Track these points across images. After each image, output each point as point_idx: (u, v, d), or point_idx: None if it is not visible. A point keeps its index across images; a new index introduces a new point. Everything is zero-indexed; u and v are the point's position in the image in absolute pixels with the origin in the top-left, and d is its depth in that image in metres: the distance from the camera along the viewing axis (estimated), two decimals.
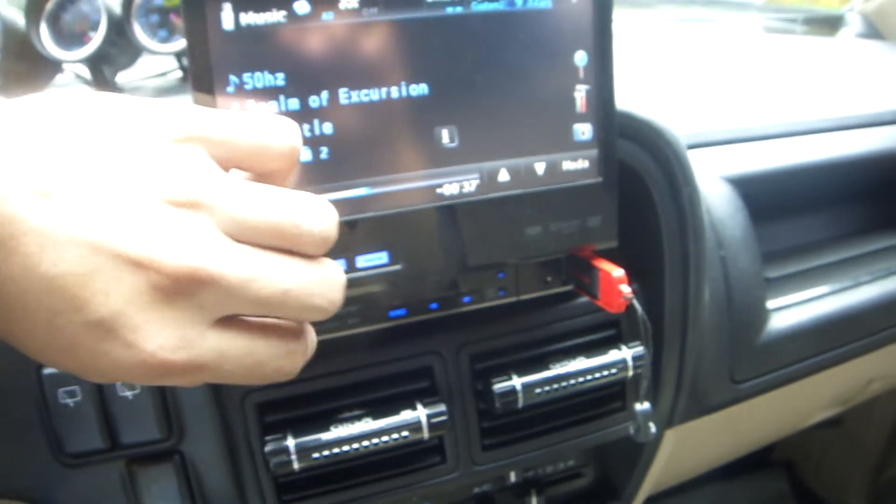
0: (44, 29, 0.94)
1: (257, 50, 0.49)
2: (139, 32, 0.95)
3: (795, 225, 1.09)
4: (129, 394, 0.58)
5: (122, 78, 1.03)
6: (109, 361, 0.36)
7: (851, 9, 1.71)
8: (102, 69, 0.98)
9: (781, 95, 1.12)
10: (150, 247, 0.35)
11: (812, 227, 1.11)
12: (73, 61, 0.95)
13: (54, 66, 1.00)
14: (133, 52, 1.01)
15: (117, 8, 0.94)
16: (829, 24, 1.72)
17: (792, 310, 0.91)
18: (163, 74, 1.08)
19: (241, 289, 0.37)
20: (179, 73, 1.04)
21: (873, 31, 1.67)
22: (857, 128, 1.05)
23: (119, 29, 0.94)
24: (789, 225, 1.08)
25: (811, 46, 1.56)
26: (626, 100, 0.68)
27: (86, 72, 0.99)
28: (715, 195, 0.85)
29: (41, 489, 0.62)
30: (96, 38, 0.92)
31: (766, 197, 0.95)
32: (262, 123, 0.41)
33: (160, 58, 0.99)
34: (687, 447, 0.91)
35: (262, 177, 0.42)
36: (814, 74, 1.27)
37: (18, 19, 0.93)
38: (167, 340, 0.36)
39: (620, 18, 1.62)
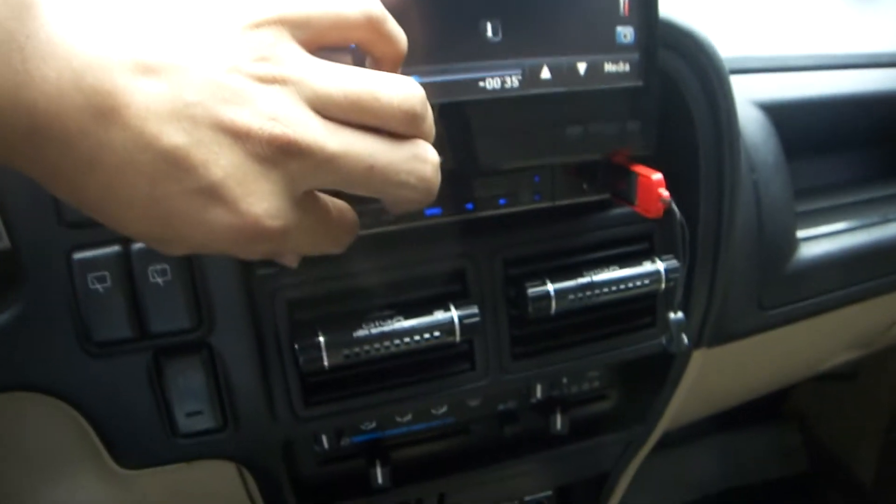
0: None
1: None
2: None
3: (826, 163, 1.10)
4: (160, 280, 0.58)
5: None
6: (208, 228, 0.39)
7: None
8: None
9: (820, 29, 1.11)
10: (246, 118, 0.37)
11: (843, 167, 1.12)
12: None
13: None
14: None
15: None
16: None
17: (821, 241, 0.91)
18: None
19: (327, 161, 0.39)
20: None
21: None
22: (890, 66, 1.04)
23: None
24: (821, 163, 1.09)
25: None
26: (669, 8, 0.67)
27: None
28: (748, 119, 0.85)
29: (64, 381, 0.62)
30: None
31: (798, 131, 0.94)
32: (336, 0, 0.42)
33: None
34: (712, 374, 0.92)
35: (374, 64, 0.46)
36: (854, 13, 1.26)
37: None
38: (269, 207, 0.39)
39: None
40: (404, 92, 0.42)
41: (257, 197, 0.38)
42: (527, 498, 0.94)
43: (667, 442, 1.90)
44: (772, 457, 2.02)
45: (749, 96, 0.88)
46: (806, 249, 0.89)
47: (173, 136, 0.36)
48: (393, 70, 0.45)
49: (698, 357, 0.85)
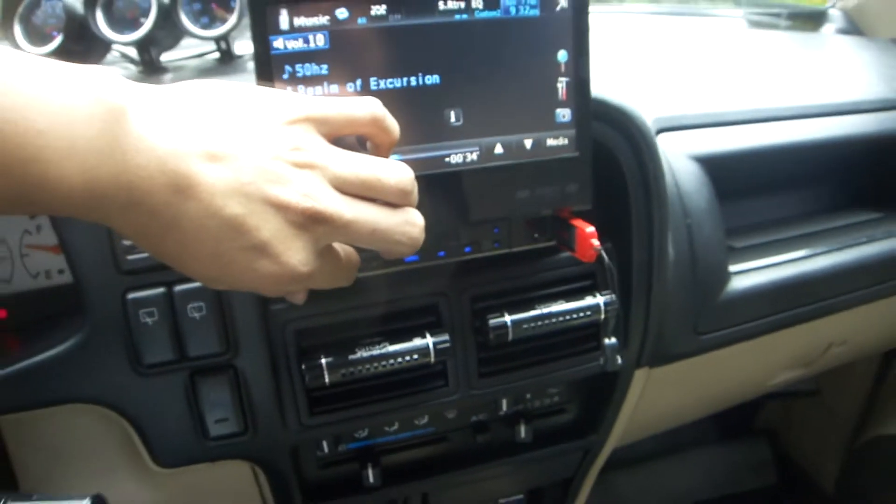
0: (99, 14, 1.07)
1: (306, 45, 0.63)
2: (184, 19, 1.08)
3: (761, 204, 1.22)
4: (196, 315, 0.73)
5: (165, 57, 1.16)
6: (257, 274, 0.53)
7: (834, 5, 1.78)
8: (150, 50, 1.11)
9: (752, 85, 1.23)
10: (286, 195, 0.51)
11: (776, 207, 1.24)
12: (126, 43, 1.08)
13: (105, 47, 1.13)
14: (177, 35, 1.14)
15: None
16: (812, 19, 1.80)
17: (751, 274, 1.04)
18: (201, 55, 1.21)
19: (344, 226, 0.54)
20: (217, 55, 1.17)
21: (853, 27, 1.76)
22: (819, 116, 1.16)
23: (166, 15, 1.07)
24: (755, 203, 1.21)
25: (788, 40, 1.65)
26: (603, 87, 0.82)
27: (132, 51, 1.12)
28: (683, 171, 0.99)
29: (118, 395, 0.77)
30: (147, 24, 1.05)
31: (733, 177, 1.07)
32: (348, 102, 0.57)
33: (200, 41, 1.12)
34: (658, 391, 1.05)
35: (375, 149, 0.60)
36: (786, 67, 1.38)
37: (77, 5, 1.06)
38: (301, 258, 0.53)
39: (603, 12, 1.74)
40: (399, 175, 0.57)
41: (293, 252, 0.53)
42: (501, 501, 1.08)
43: (642, 457, 2.00)
44: (743, 470, 2.10)
45: (685, 150, 1.01)
46: (737, 282, 1.01)
47: (234, 208, 0.50)
48: (388, 151, 0.61)
49: (641, 376, 0.98)
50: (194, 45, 1.18)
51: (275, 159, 0.51)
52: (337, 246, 0.61)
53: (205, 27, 1.10)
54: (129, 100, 0.48)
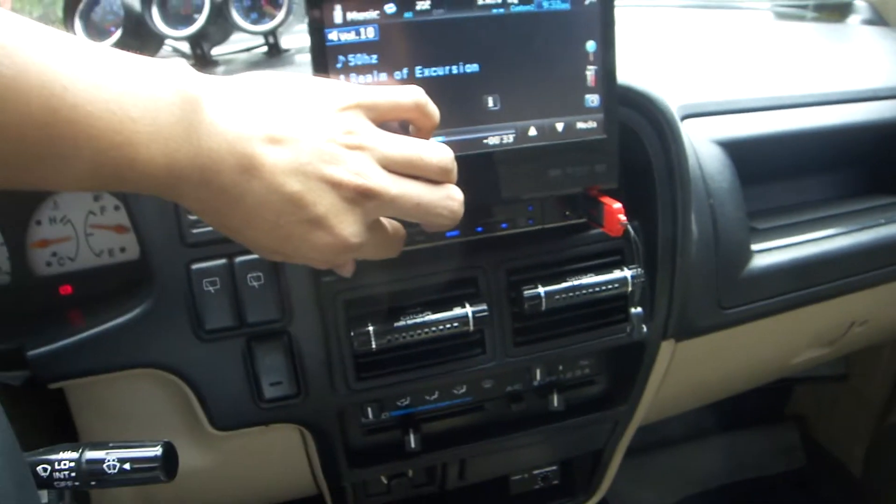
0: (155, 11, 1.13)
1: (358, 37, 0.70)
2: (235, 15, 1.14)
3: (783, 188, 1.27)
4: (255, 284, 0.80)
5: (215, 51, 1.22)
6: (313, 245, 0.59)
7: None
8: (201, 44, 1.17)
9: (777, 74, 1.27)
10: (340, 173, 0.57)
11: (797, 191, 1.28)
12: (180, 38, 1.14)
13: (160, 41, 1.19)
14: (227, 30, 1.19)
15: None
16: (838, 10, 1.82)
17: (773, 252, 1.08)
18: (250, 49, 1.27)
19: (391, 200, 0.60)
20: (265, 49, 1.23)
21: (879, 17, 1.78)
22: (841, 103, 1.20)
23: (218, 11, 1.13)
24: (778, 188, 1.26)
25: (813, 31, 1.68)
26: (630, 75, 0.88)
27: (184, 46, 1.18)
28: (707, 155, 1.04)
29: (180, 360, 0.83)
30: (200, 19, 1.11)
31: (756, 162, 1.12)
32: (394, 90, 0.63)
33: (249, 36, 1.18)
34: (683, 365, 1.10)
35: (417, 132, 0.66)
36: (810, 56, 1.42)
37: (135, 3, 1.12)
38: (353, 230, 0.59)
39: (632, 6, 1.77)
40: (440, 155, 0.63)
41: (346, 225, 0.59)
42: (535, 471, 1.14)
43: (671, 440, 2.03)
44: (772, 455, 2.12)
45: (709, 135, 1.06)
46: (759, 259, 1.06)
47: (293, 185, 0.56)
48: (430, 134, 0.67)
49: (667, 348, 1.03)
50: (243, 40, 1.23)
51: (329, 142, 0.58)
52: (384, 221, 0.67)
53: (254, 22, 1.15)
54: (202, 90, 0.55)
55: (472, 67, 0.74)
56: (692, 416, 1.97)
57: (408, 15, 0.71)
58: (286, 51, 1.22)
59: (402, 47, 0.71)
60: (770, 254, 1.08)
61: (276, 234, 0.58)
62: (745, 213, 1.05)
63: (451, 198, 0.64)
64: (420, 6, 0.71)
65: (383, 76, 0.71)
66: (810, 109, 1.18)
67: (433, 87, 0.71)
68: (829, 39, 1.60)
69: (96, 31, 1.14)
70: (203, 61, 1.18)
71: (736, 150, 1.08)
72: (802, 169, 1.27)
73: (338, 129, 0.58)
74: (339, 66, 0.70)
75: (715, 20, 1.83)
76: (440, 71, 0.73)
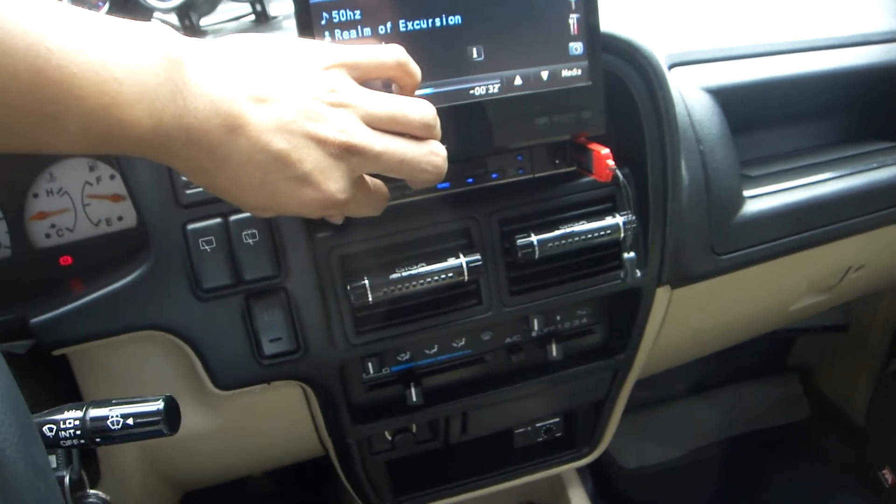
0: None
1: None
2: None
3: (774, 136, 1.27)
4: (251, 241, 0.81)
5: (204, 22, 1.23)
6: (300, 201, 0.60)
7: None
8: (189, 15, 1.18)
9: (767, 20, 1.26)
10: (325, 130, 0.59)
11: (789, 139, 1.29)
12: (167, 10, 1.15)
13: (147, 14, 1.20)
14: (214, 0, 1.20)
15: None
16: None
17: (765, 198, 1.09)
18: (238, 18, 1.28)
19: (375, 156, 0.61)
20: (252, 17, 1.24)
21: None
22: (830, 48, 1.20)
23: None
24: (769, 136, 1.26)
25: None
26: (615, 23, 0.88)
27: (172, 18, 1.19)
28: (695, 101, 1.04)
29: (180, 320, 0.85)
30: None
31: (746, 110, 1.12)
32: (376, 49, 0.64)
33: (237, 4, 1.19)
34: (680, 313, 1.11)
35: (400, 90, 0.68)
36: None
37: None
38: (338, 186, 0.61)
39: None
40: (422, 111, 0.64)
41: (332, 181, 0.60)
42: (538, 424, 1.15)
43: (674, 395, 2.04)
44: (775, 407, 2.13)
45: (698, 83, 1.07)
46: (752, 205, 1.07)
47: (279, 143, 0.57)
48: (412, 92, 0.68)
49: (663, 295, 1.05)
50: (231, 9, 1.24)
51: (314, 100, 0.59)
52: (367, 179, 0.68)
53: None
54: (186, 51, 0.56)
55: (455, 19, 0.74)
56: (695, 370, 1.97)
57: None
58: (274, 17, 1.23)
59: (384, 2, 0.72)
60: (762, 199, 1.09)
61: (263, 191, 0.60)
62: (737, 160, 1.06)
63: (434, 153, 0.66)
64: None
65: (367, 31, 0.72)
66: (801, 55, 1.18)
67: (417, 40, 0.73)
68: None
69: (84, 6, 1.14)
70: (192, 32, 1.19)
71: (725, 97, 1.08)
72: (794, 116, 1.27)
73: (321, 87, 0.60)
74: (322, 22, 0.71)
75: None
76: (423, 24, 0.73)
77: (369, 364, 0.95)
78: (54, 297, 0.84)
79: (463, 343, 1.00)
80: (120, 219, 0.97)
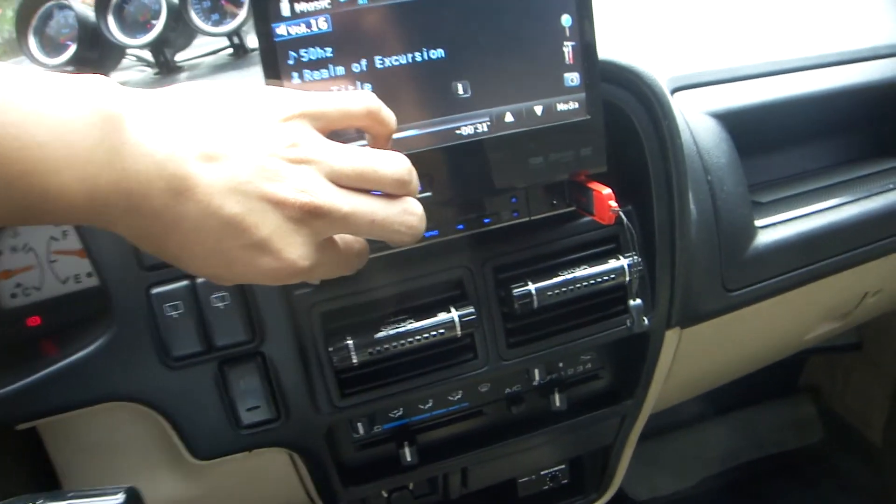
0: (111, 20, 1.08)
1: (309, 30, 0.64)
2: (195, 18, 1.09)
3: (784, 157, 1.21)
4: (221, 305, 0.74)
5: (180, 56, 1.17)
6: (259, 270, 0.54)
7: None
8: (164, 51, 1.12)
9: (770, 36, 1.20)
10: (284, 191, 0.52)
11: (800, 159, 1.23)
12: (139, 46, 1.09)
13: (120, 52, 1.14)
14: (189, 34, 1.14)
15: None
16: None
17: (778, 227, 1.03)
18: (215, 52, 1.22)
19: (342, 218, 0.54)
20: (230, 51, 1.18)
21: None
22: (837, 64, 1.14)
23: (177, 15, 1.08)
24: (778, 157, 1.20)
25: None
26: (612, 49, 0.81)
27: (147, 54, 1.13)
28: (701, 128, 0.98)
29: (150, 390, 0.78)
30: (158, 26, 1.06)
31: (754, 132, 1.06)
32: (342, 97, 0.57)
33: (214, 38, 1.13)
34: (692, 352, 1.05)
35: (372, 140, 0.61)
36: (803, 14, 1.35)
37: (89, 13, 1.07)
38: (301, 253, 0.54)
39: None
40: (395, 165, 0.57)
41: (293, 248, 0.54)
42: (543, 472, 1.08)
43: (685, 421, 1.99)
44: (788, 429, 2.09)
45: (702, 108, 1.00)
46: (764, 236, 1.00)
47: (232, 207, 0.51)
48: (386, 142, 0.61)
49: (673, 337, 0.98)
50: (208, 43, 1.19)
51: (271, 156, 0.52)
52: (337, 237, 0.62)
53: (216, 24, 1.10)
54: (125, 106, 0.49)
55: (438, 53, 0.68)
56: (703, 395, 1.93)
57: (362, 0, 0.65)
58: (253, 50, 1.17)
59: (358, 37, 0.65)
60: (775, 229, 1.03)
61: (217, 259, 0.53)
62: (746, 188, 1.00)
63: (408, 212, 0.59)
64: None
65: (340, 70, 0.65)
66: (808, 73, 1.12)
67: (396, 78, 0.66)
68: None
69: (52, 47, 1.09)
70: (167, 69, 1.13)
71: (732, 121, 1.02)
72: (802, 135, 1.21)
73: (280, 141, 0.53)
74: (290, 62, 0.64)
75: None
76: (402, 59, 0.67)
77: (359, 424, 0.89)
78: (17, 366, 0.78)
79: (459, 396, 0.93)
80: (89, 275, 0.90)
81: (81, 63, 1.09)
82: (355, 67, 0.65)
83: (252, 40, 1.16)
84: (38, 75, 0.47)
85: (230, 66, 1.13)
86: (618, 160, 0.80)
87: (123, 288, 0.74)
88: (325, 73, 0.65)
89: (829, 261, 1.07)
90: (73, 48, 1.06)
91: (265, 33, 0.63)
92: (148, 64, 1.19)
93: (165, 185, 0.49)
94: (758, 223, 1.02)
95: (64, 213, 0.48)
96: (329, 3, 0.64)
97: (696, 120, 0.98)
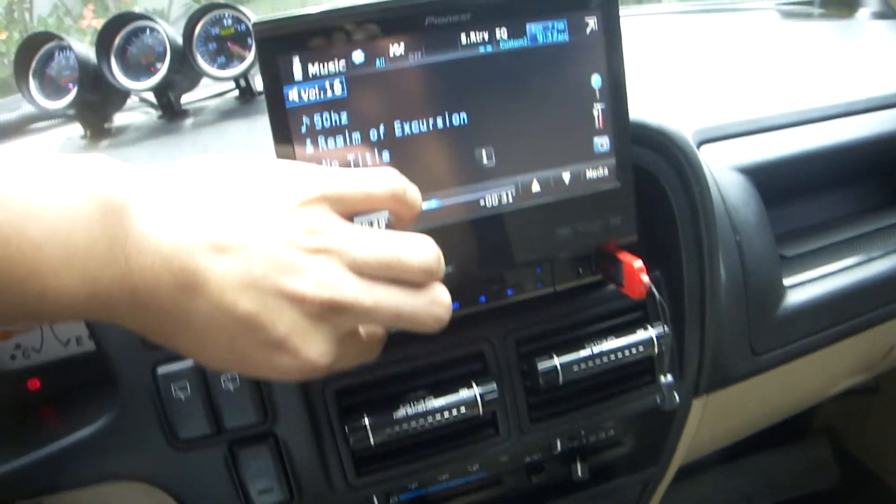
0: (114, 62, 1.04)
1: (323, 95, 0.60)
2: (200, 61, 1.05)
3: (810, 205, 1.17)
4: (231, 387, 0.70)
5: (185, 98, 1.13)
6: (275, 369, 0.50)
7: None
8: (168, 94, 1.08)
9: (793, 84, 1.18)
10: (303, 286, 0.48)
11: (826, 206, 1.18)
12: (142, 90, 1.05)
13: (124, 94, 1.10)
14: (194, 77, 1.11)
15: (179, 39, 1.05)
16: (846, 4, 1.73)
17: (807, 286, 0.99)
18: (221, 94, 1.18)
19: (365, 313, 0.50)
20: (237, 93, 1.14)
21: (889, 9, 1.69)
22: (865, 112, 1.10)
23: (182, 58, 1.04)
24: (804, 205, 1.16)
25: (824, 30, 1.60)
26: (640, 106, 0.77)
27: (151, 96, 1.10)
28: (729, 184, 0.94)
29: (157, 471, 0.74)
30: (162, 69, 1.02)
31: (779, 181, 1.02)
32: (365, 177, 0.53)
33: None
34: (716, 415, 1.00)
35: (396, 221, 0.56)
36: (824, 60, 1.33)
37: (90, 55, 1.03)
38: (321, 351, 0.50)
39: (629, 15, 1.68)
40: (422, 253, 0.53)
41: (313, 346, 0.49)
42: None
43: (698, 465, 1.95)
44: (804, 471, 2.04)
45: (729, 162, 0.96)
46: (793, 296, 0.96)
47: (246, 304, 0.46)
48: (410, 222, 0.57)
49: (698, 404, 0.93)
50: (214, 84, 1.15)
51: (288, 247, 0.48)
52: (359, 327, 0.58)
53: (222, 67, 1.07)
54: (128, 192, 0.45)
55: (460, 118, 0.64)
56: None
57: (380, 63, 0.61)
58: (260, 93, 1.14)
59: (375, 102, 0.61)
60: (803, 288, 0.99)
61: (231, 356, 0.49)
62: (775, 246, 0.96)
63: (436, 303, 0.54)
64: (393, 52, 0.61)
65: (357, 137, 0.61)
66: (835, 122, 1.08)
67: (416, 145, 0.63)
68: (842, 39, 1.51)
69: (53, 89, 1.06)
70: (171, 111, 1.10)
71: (759, 174, 0.98)
72: (826, 183, 1.17)
73: (298, 229, 0.49)
74: (303, 130, 0.60)
75: (719, 25, 1.74)
76: (423, 126, 0.63)
77: (375, 497, 0.84)
78: (17, 439, 0.74)
79: (477, 467, 0.88)
80: (91, 337, 0.85)
81: (83, 106, 1.06)
82: (373, 135, 0.62)
83: (260, 83, 1.12)
84: (31, 163, 0.43)
85: (237, 112, 1.09)
86: (644, 222, 0.75)
87: (128, 366, 0.70)
88: (340, 141, 0.61)
89: (859, 319, 1.04)
90: (74, 91, 1.02)
91: (276, 98, 0.59)
92: (152, 105, 1.16)
93: (173, 279, 0.45)
94: (786, 281, 0.98)
95: (63, 313, 0.44)
96: (344, 66, 0.60)
97: (724, 176, 0.94)
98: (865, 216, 1.18)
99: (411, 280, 0.53)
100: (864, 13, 1.71)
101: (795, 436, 2.07)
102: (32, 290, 0.41)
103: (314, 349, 0.50)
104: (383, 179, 0.54)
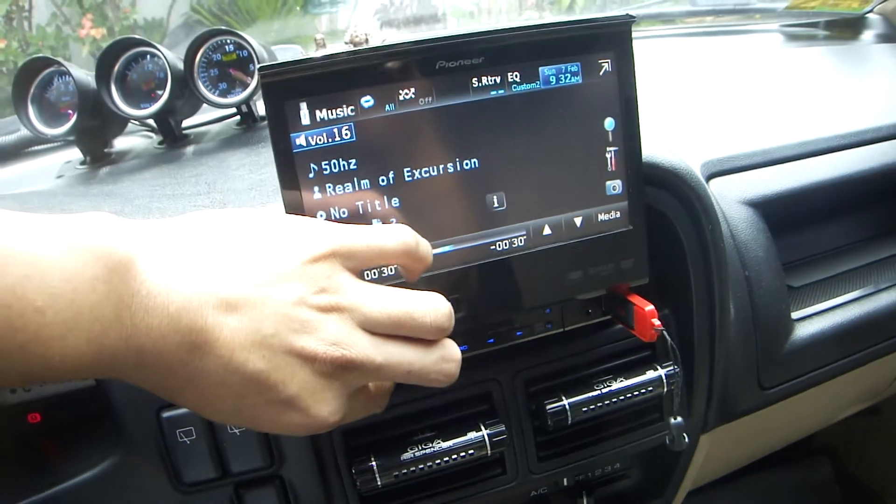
0: (113, 89, 1.03)
1: (331, 140, 0.59)
2: (201, 87, 1.05)
3: (817, 233, 1.16)
4: (237, 431, 0.68)
5: (187, 123, 1.12)
6: (286, 426, 0.49)
7: (872, 10, 1.70)
8: (169, 121, 1.07)
9: (800, 112, 1.18)
10: (313, 345, 0.47)
11: (833, 234, 1.18)
12: (143, 117, 1.04)
13: (124, 120, 1.09)
14: (195, 103, 1.10)
15: (180, 65, 1.04)
16: (851, 27, 1.73)
17: (815, 319, 0.98)
18: (222, 119, 1.17)
19: (375, 370, 0.50)
20: (238, 118, 1.13)
21: (894, 30, 1.69)
22: (873, 142, 1.10)
23: (182, 84, 1.04)
24: (811, 234, 1.15)
25: (832, 56, 1.59)
26: (648, 136, 0.76)
27: (152, 121, 1.09)
28: (738, 219, 0.93)
29: None
30: (163, 96, 1.01)
31: (787, 212, 1.01)
32: (376, 233, 0.53)
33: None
34: (722, 448, 0.99)
35: (406, 273, 0.57)
36: (833, 87, 1.33)
37: (90, 80, 1.02)
38: (331, 409, 0.49)
39: (640, 34, 1.67)
40: (434, 311, 0.52)
41: (323, 404, 0.49)
42: None
43: (700, 487, 1.93)
44: (805, 492, 2.03)
45: (738, 195, 0.96)
46: (801, 329, 0.96)
47: (256, 363, 0.46)
48: (419, 275, 0.57)
49: (705, 440, 0.92)
50: (216, 109, 1.14)
51: (298, 305, 0.48)
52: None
53: (223, 94, 1.07)
54: (134, 250, 0.44)
55: (471, 163, 0.63)
56: None
57: (389, 108, 0.60)
58: (262, 118, 1.13)
59: (385, 147, 0.60)
60: (811, 321, 0.98)
61: (241, 413, 0.49)
62: (783, 280, 0.95)
63: (447, 359, 0.54)
64: (403, 96, 0.60)
65: (365, 183, 0.60)
66: (843, 153, 1.08)
67: (426, 191, 0.62)
68: (848, 65, 1.50)
69: (52, 115, 1.05)
70: (172, 137, 1.09)
71: (767, 206, 0.98)
72: (833, 212, 1.16)
73: (308, 286, 0.48)
74: (311, 176, 0.59)
75: (724, 48, 1.73)
76: (433, 171, 0.62)
77: None
78: (19, 478, 0.73)
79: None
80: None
81: (83, 133, 1.05)
82: (382, 180, 0.61)
83: (262, 108, 1.11)
84: (31, 223, 0.42)
85: (239, 139, 1.08)
86: (654, 259, 0.74)
87: (132, 410, 0.69)
88: (349, 187, 0.60)
89: (867, 351, 1.03)
90: (74, 117, 1.01)
91: (283, 145, 0.58)
92: (153, 130, 1.15)
93: (181, 339, 0.44)
94: (794, 315, 0.97)
95: (68, 375, 0.43)
96: (353, 111, 0.59)
97: (733, 210, 0.94)
98: (873, 244, 1.17)
99: (422, 337, 0.53)
100: (868, 36, 1.71)
101: (796, 456, 2.05)
102: (35, 355, 0.40)
103: (324, 408, 0.49)
104: (396, 235, 0.53)
